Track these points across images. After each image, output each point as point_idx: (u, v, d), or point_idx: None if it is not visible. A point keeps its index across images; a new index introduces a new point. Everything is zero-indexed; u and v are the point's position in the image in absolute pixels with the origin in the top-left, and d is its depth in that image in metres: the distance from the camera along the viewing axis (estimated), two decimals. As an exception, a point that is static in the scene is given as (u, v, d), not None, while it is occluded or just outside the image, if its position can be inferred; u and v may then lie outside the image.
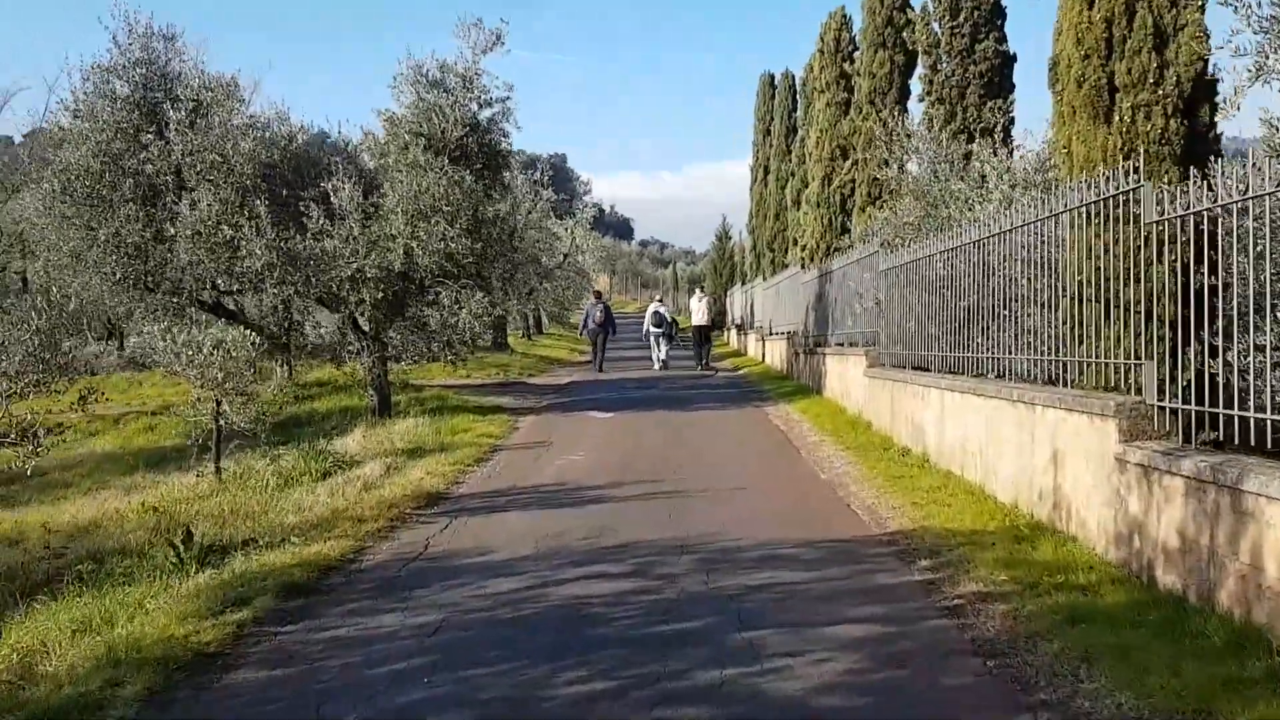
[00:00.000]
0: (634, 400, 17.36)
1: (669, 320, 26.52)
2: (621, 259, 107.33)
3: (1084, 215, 7.51)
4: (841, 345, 15.70)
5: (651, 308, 26.82)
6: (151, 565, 6.94)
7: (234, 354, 10.01)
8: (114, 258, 13.99)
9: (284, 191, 14.33)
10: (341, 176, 14.06)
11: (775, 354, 24.56)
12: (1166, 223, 6.20)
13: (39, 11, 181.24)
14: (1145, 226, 6.42)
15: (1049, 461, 7.10)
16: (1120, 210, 6.67)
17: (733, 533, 7.03)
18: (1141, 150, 7.50)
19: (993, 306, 9.31)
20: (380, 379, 14.91)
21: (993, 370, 9.50)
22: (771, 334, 26.01)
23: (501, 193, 15.39)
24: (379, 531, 7.21)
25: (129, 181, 13.87)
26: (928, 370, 10.81)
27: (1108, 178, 6.99)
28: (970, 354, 9.77)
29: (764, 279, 30.49)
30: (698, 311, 26.75)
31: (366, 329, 14.52)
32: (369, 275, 13.48)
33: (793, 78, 34.56)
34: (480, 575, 5.99)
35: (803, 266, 21.69)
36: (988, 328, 9.45)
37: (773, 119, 36.57)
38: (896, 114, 18.27)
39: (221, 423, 10.33)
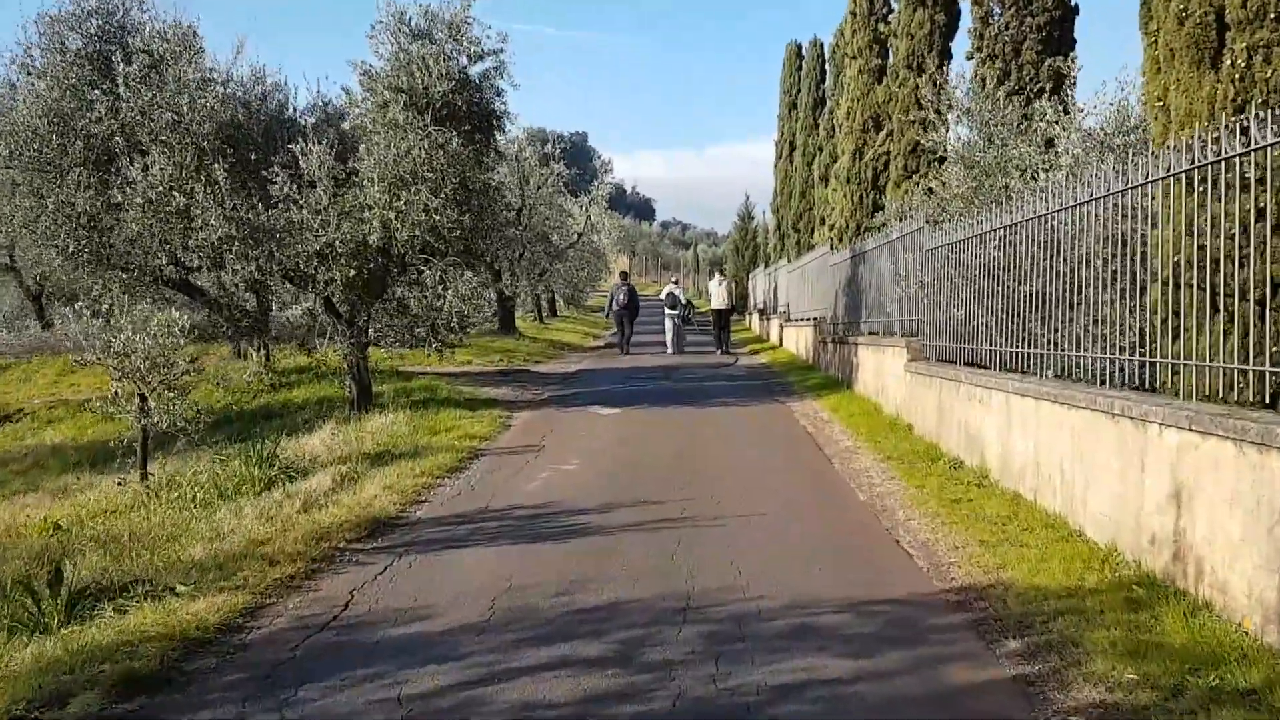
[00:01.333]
0: (645, 393, 15.69)
1: (684, 302, 25.48)
2: (642, 240, 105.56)
3: (1188, 182, 5.89)
4: (876, 334, 13.96)
5: (666, 289, 25.97)
6: (9, 613, 5.39)
7: (161, 340, 8.41)
8: (65, 229, 12.44)
9: (252, 156, 12.70)
10: (312, 138, 12.43)
11: (801, 341, 22.82)
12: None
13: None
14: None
15: (1168, 499, 5.39)
16: (1234, 175, 5.08)
17: (753, 587, 5.36)
18: (1258, 100, 5.89)
19: (1060, 293, 7.66)
20: (359, 367, 13.31)
21: (1050, 367, 7.86)
22: (797, 320, 24.27)
23: (495, 159, 13.70)
24: (293, 578, 5.58)
25: (79, 144, 12.29)
26: (985, 368, 9.09)
27: (1217, 137, 5.40)
28: (1028, 349, 8.08)
29: (789, 261, 28.71)
30: (717, 295, 25.74)
31: (342, 311, 12.90)
32: (339, 250, 11.86)
33: (821, 46, 32.66)
34: (403, 661, 4.34)
35: (831, 247, 19.91)
36: (1051, 318, 7.81)
37: (799, 91, 34.70)
38: (938, 79, 16.51)
39: (146, 422, 8.74)
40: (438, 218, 11.99)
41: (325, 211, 11.97)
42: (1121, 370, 6.86)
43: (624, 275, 26.51)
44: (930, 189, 16.94)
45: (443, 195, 12.08)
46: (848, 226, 22.91)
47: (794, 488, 8.32)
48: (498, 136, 13.57)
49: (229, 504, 7.60)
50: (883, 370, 12.89)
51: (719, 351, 24.68)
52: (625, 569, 5.76)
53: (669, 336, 24.62)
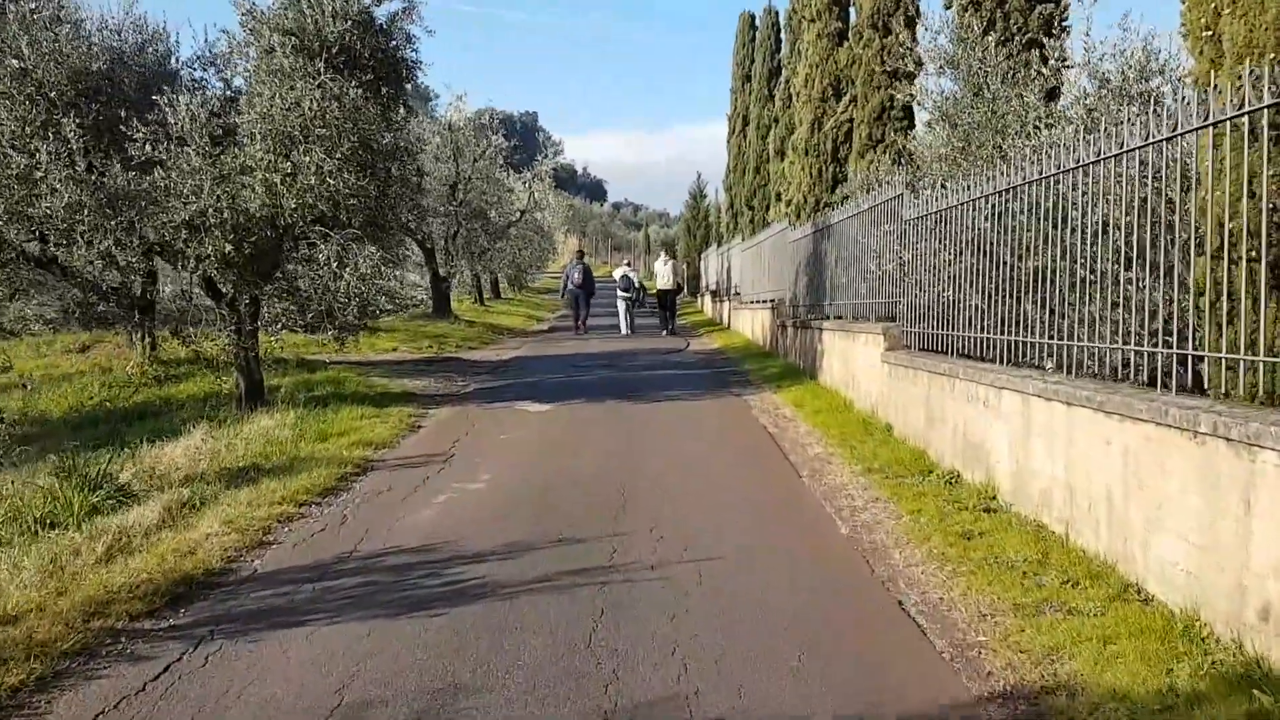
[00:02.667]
0: (584, 385, 13.91)
1: (637, 285, 25.53)
2: (593, 220, 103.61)
3: (1251, 130, 4.47)
4: (844, 319, 12.30)
5: (619, 271, 26.18)
6: None
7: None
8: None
9: (122, 113, 10.65)
10: (182, 88, 10.45)
11: (757, 325, 21.17)
12: None
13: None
14: None
15: (1297, 558, 3.75)
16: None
17: (706, 699, 3.63)
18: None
19: (1070, 270, 6.13)
20: (247, 358, 11.35)
21: (1048, 357, 6.34)
22: (752, 302, 22.62)
23: (406, 118, 11.77)
24: (16, 692, 3.74)
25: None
26: (986, 360, 7.45)
27: None
28: (1027, 336, 6.47)
29: (743, 239, 27.02)
30: (663, 275, 25.79)
31: (224, 292, 10.93)
32: (212, 221, 9.89)
33: (776, 14, 30.96)
34: None
35: (790, 223, 18.22)
36: (1059, 299, 6.27)
37: (753, 61, 32.98)
38: (905, 38, 14.95)
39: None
40: (333, 182, 10.07)
41: (198, 175, 9.99)
42: (1151, 365, 5.31)
43: (580, 254, 26.66)
44: (904, 153, 15.31)
45: (339, 155, 10.16)
46: (805, 201, 21.34)
47: (756, 515, 6.59)
48: (409, 89, 11.63)
49: (6, 549, 5.68)
50: (853, 359, 11.24)
51: (664, 332, 24.78)
52: (522, 664, 3.99)
53: (622, 318, 24.69)
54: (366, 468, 8.14)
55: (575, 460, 8.39)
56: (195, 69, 12.35)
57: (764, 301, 20.30)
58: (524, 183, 31.23)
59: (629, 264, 27.90)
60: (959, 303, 8.20)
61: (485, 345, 21.77)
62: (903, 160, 18.39)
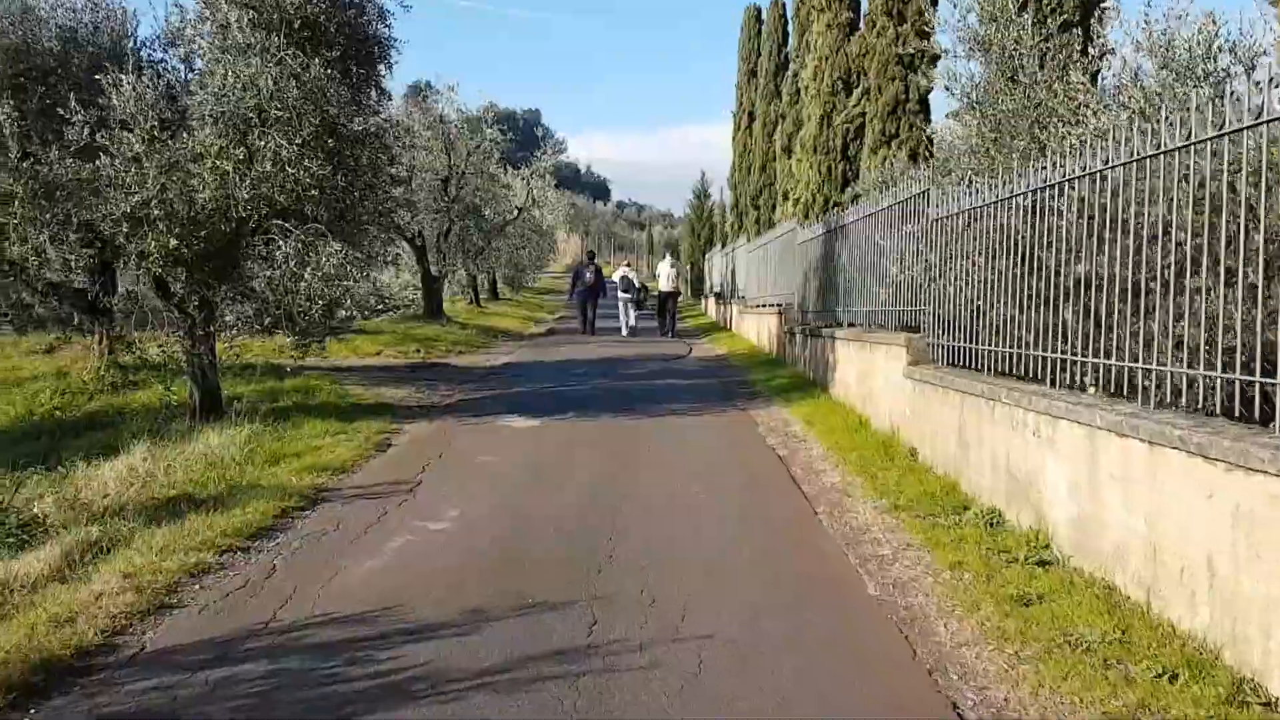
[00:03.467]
0: (577, 396, 12.85)
1: (637, 286, 25.80)
2: (596, 220, 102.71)
3: None
4: (860, 326, 11.24)
5: (620, 272, 26.39)
6: None
7: None
8: None
9: (71, 97, 9.61)
10: (135, 68, 9.42)
11: (763, 330, 20.10)
12: None
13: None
14: None
15: None
16: None
17: None
18: None
19: (1124, 278, 5.12)
20: (202, 365, 10.30)
21: (1089, 378, 5.37)
22: (758, 305, 21.55)
23: (379, 101, 10.71)
24: None
25: None
26: (1033, 379, 6.39)
27: None
28: (1080, 354, 5.41)
29: (749, 240, 25.93)
30: (665, 277, 25.77)
31: (175, 292, 9.88)
32: (156, 214, 8.84)
33: (783, 6, 29.83)
34: None
35: (800, 224, 17.13)
36: (1110, 312, 5.25)
37: (759, 56, 31.94)
38: (925, 20, 13.88)
39: None
40: (293, 170, 9.03)
41: (141, 162, 8.95)
42: (1225, 392, 4.32)
43: (591, 255, 26.96)
44: (928, 141, 14.28)
45: (300, 141, 9.12)
46: (814, 201, 20.34)
47: (769, 569, 5.52)
48: (382, 72, 10.58)
49: None
50: (871, 373, 10.17)
51: (669, 334, 24.80)
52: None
53: (622, 318, 24.86)
54: (316, 499, 7.07)
55: (558, 493, 7.31)
56: (155, 49, 11.36)
57: (770, 305, 19.23)
58: (522, 179, 30.14)
59: (629, 264, 28.43)
60: (993, 312, 7.15)
61: (477, 350, 20.71)
62: (920, 156, 17.33)
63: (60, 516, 6.68)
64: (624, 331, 24.36)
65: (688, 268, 50.00)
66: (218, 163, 9.00)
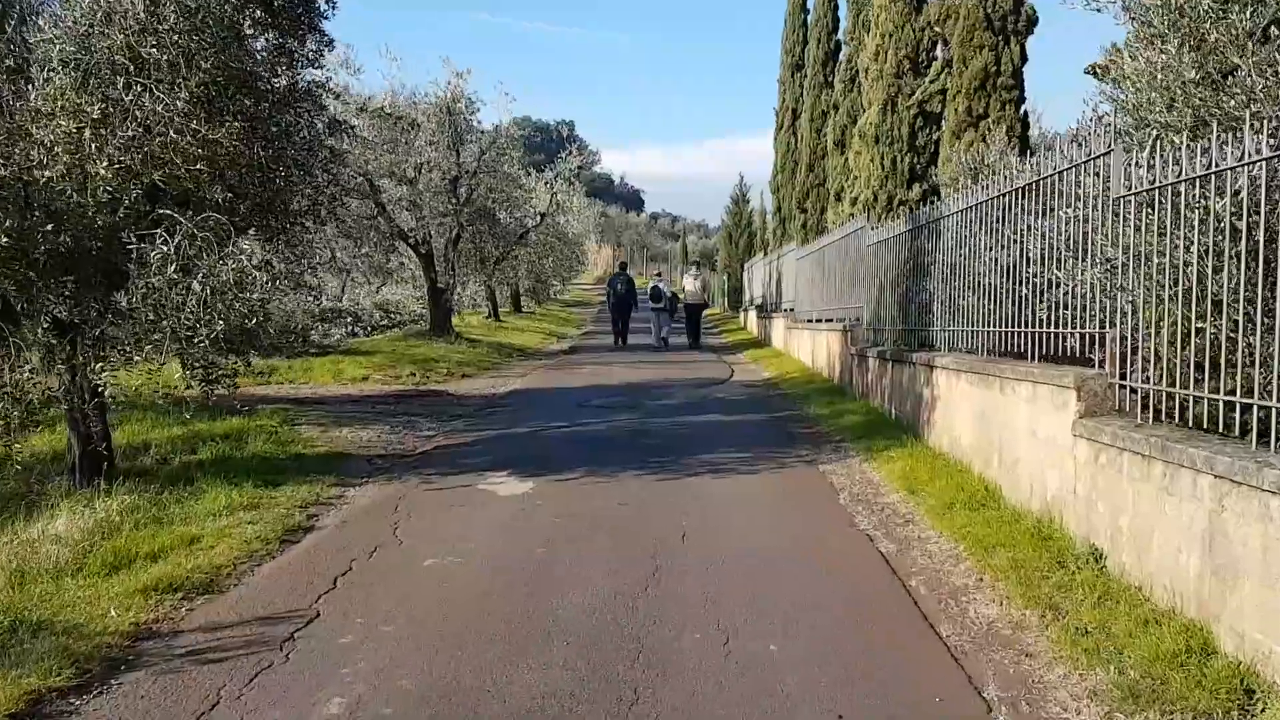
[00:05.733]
0: (592, 440, 9.95)
1: (668, 295, 24.89)
2: (629, 230, 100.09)
3: None
4: (975, 354, 8.24)
5: (651, 283, 26.21)
6: None
7: None
8: None
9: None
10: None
11: (819, 350, 17.08)
12: None
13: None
14: None
15: None
16: None
17: None
18: None
19: None
20: (81, 408, 7.52)
21: None
22: (810, 320, 18.55)
23: (317, 51, 7.86)
24: None
25: None
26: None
27: None
28: None
29: (798, 245, 22.93)
30: (691, 289, 25.87)
31: (15, 306, 7.11)
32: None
33: (834, -13, 26.83)
34: None
35: (870, 222, 14.13)
36: None
37: (805, 45, 29.00)
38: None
39: None
40: (176, 137, 6.23)
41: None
42: None
43: (623, 265, 26.95)
44: (1021, 127, 11.31)
45: (187, 95, 6.32)
46: (875, 199, 17.45)
47: None
48: (323, 8, 7.75)
49: None
50: (1003, 422, 7.15)
51: (699, 346, 24.68)
52: None
53: (654, 329, 24.59)
54: (122, 660, 4.16)
55: (535, 649, 4.36)
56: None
57: (828, 321, 16.24)
58: (545, 183, 27.37)
59: (659, 275, 28.46)
60: (1256, 339, 4.19)
61: (484, 371, 17.86)
62: (1017, 137, 14.20)
63: None
64: (654, 342, 24.29)
65: (725, 278, 47.06)
66: (69, 125, 6.22)
